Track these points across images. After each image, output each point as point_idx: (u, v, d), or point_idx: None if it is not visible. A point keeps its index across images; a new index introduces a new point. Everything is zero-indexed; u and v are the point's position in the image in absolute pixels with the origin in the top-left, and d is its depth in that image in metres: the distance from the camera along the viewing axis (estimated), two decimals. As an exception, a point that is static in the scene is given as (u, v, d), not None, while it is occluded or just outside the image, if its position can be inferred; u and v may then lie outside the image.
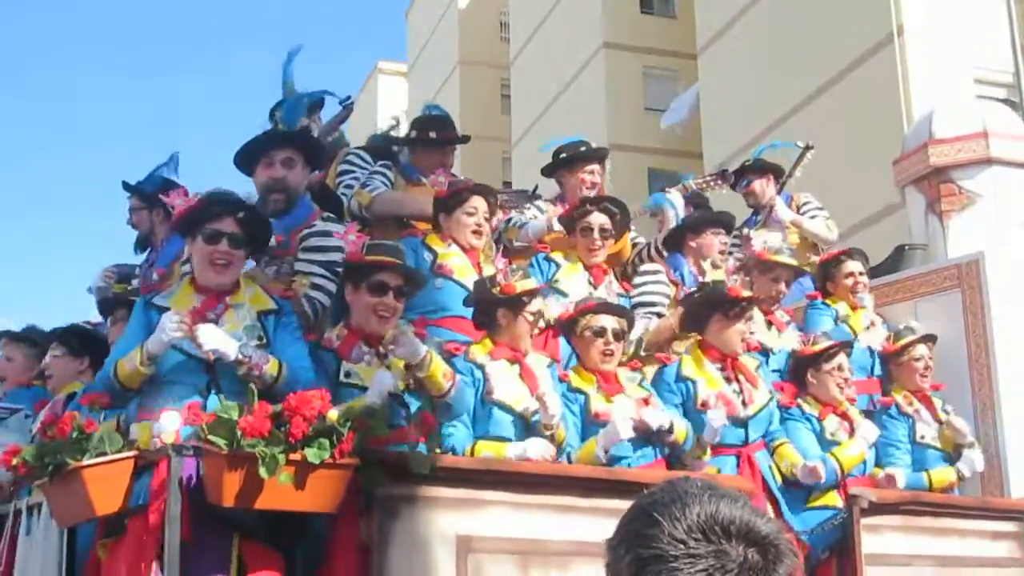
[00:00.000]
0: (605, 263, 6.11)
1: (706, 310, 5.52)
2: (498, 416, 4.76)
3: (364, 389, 4.41)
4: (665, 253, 6.24)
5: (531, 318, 4.93)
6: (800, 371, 5.85)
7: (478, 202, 5.40)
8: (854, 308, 6.60)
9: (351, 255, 4.68)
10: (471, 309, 5.10)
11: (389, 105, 41.41)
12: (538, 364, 4.99)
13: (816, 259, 7.08)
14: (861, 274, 6.69)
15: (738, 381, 5.46)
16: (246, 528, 3.97)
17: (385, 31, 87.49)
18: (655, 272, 5.88)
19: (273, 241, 4.87)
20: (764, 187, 7.52)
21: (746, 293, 5.59)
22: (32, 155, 79.59)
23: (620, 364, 5.25)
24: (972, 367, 6.40)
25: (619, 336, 5.16)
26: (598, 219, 5.77)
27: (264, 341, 4.34)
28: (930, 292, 6.70)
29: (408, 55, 42.25)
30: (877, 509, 5.26)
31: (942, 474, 6.01)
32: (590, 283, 5.70)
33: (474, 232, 5.37)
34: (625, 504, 1.59)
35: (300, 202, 5.18)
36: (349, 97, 5.82)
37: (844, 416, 5.78)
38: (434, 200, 5.48)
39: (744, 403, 5.40)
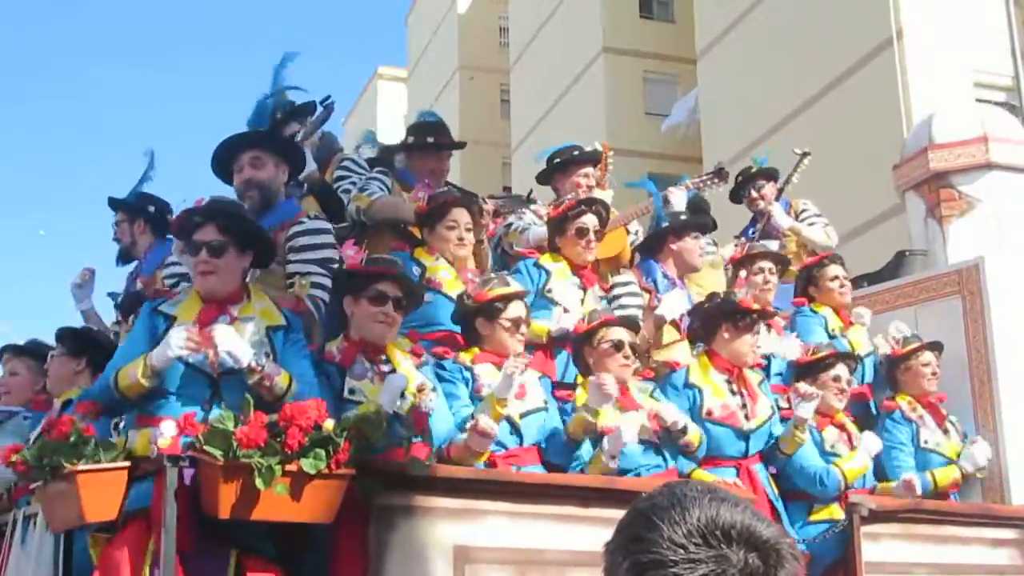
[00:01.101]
0: (602, 267, 6.09)
1: (715, 320, 5.53)
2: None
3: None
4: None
5: (507, 324, 4.87)
6: (798, 380, 5.85)
7: (458, 214, 5.39)
8: (839, 312, 6.55)
9: (351, 264, 4.69)
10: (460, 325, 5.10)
11: (389, 110, 41.43)
12: (528, 375, 4.91)
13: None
14: (845, 278, 6.68)
15: (742, 394, 5.46)
16: (244, 541, 3.95)
17: (385, 37, 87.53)
18: (627, 283, 5.83)
19: None
20: (773, 192, 7.45)
21: (756, 306, 5.58)
22: (52, 154, 79.67)
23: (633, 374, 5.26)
24: (972, 373, 6.37)
25: (634, 349, 5.18)
26: (592, 220, 5.70)
27: (271, 357, 4.29)
28: (930, 298, 6.67)
29: (408, 60, 42.28)
30: (877, 517, 5.24)
31: (946, 473, 6.00)
32: (580, 288, 5.63)
33: (457, 244, 5.38)
34: (624, 514, 1.56)
35: (283, 202, 5.15)
36: (328, 97, 5.80)
37: (842, 428, 5.80)
38: (416, 215, 5.48)
39: (747, 416, 5.40)
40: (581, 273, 5.70)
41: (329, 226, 5.19)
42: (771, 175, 7.50)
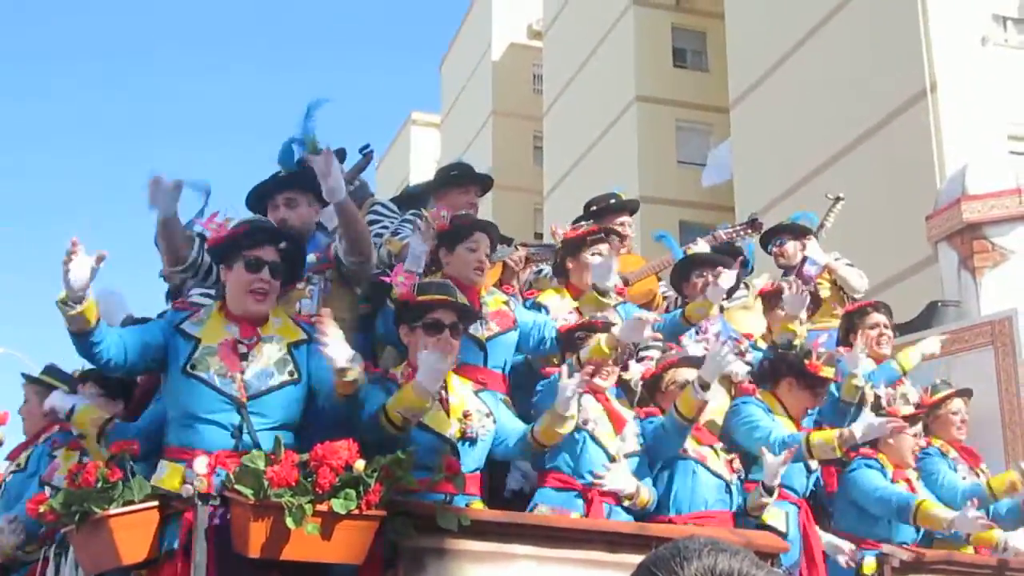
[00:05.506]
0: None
1: (782, 371, 5.56)
2: (590, 447, 4.80)
3: (421, 427, 4.35)
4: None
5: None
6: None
7: (480, 238, 5.19)
8: (878, 361, 6.40)
9: (403, 295, 4.62)
10: (481, 355, 5.04)
11: (422, 156, 41.69)
12: (617, 402, 5.05)
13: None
14: (886, 326, 6.47)
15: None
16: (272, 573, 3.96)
17: (419, 82, 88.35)
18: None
19: (312, 258, 4.99)
20: (797, 250, 7.33)
21: (826, 372, 5.50)
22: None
23: None
24: (1005, 425, 6.34)
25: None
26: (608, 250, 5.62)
27: (295, 376, 4.30)
28: (963, 349, 6.65)
29: (441, 106, 42.58)
30: (909, 568, 5.20)
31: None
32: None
33: (476, 269, 5.14)
34: (641, 563, 1.59)
35: (315, 235, 5.24)
36: (368, 145, 5.83)
37: (908, 481, 5.79)
38: (437, 235, 5.23)
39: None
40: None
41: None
42: (794, 231, 7.36)
